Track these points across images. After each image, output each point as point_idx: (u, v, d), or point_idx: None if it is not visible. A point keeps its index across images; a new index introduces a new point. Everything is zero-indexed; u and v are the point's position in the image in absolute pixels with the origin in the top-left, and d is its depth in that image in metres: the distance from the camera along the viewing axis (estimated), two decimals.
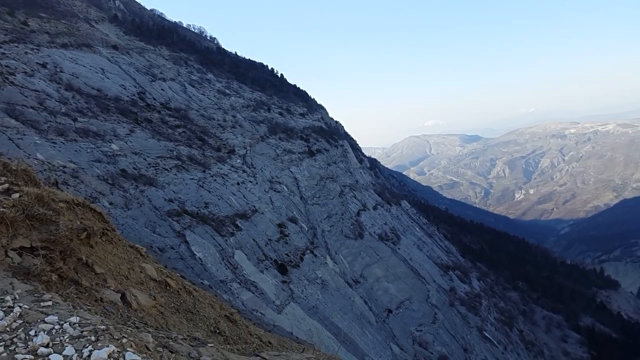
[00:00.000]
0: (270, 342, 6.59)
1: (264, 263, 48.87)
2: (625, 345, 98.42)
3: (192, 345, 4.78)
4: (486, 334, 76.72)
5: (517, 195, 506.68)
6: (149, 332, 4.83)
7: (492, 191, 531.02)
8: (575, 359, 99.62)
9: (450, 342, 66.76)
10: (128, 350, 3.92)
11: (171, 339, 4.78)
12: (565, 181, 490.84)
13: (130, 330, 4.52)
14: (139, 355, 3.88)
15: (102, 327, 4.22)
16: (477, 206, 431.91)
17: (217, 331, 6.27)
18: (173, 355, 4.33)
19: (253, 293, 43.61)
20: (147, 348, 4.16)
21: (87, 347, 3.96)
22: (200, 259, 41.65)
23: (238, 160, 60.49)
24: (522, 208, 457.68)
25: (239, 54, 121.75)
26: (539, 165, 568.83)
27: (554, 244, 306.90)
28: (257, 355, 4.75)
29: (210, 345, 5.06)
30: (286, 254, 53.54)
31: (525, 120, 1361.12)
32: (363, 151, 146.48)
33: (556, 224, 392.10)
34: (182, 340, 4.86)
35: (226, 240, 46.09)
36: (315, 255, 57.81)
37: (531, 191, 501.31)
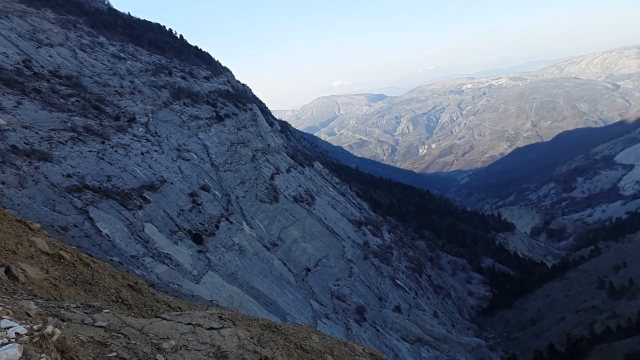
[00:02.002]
0: (179, 307, 6.28)
1: (178, 234, 47.47)
2: (521, 281, 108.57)
3: (86, 313, 4.35)
4: (398, 282, 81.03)
5: (420, 150, 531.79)
6: (32, 300, 4.34)
7: (398, 147, 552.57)
8: (479, 298, 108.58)
9: (366, 292, 69.77)
10: (4, 318, 3.48)
11: (63, 307, 4.32)
12: (463, 134, 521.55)
13: (8, 299, 4.01)
14: (17, 322, 3.45)
15: None
16: (386, 163, 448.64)
17: (120, 300, 5.82)
18: (65, 323, 3.91)
19: (168, 265, 42.36)
20: (28, 315, 3.71)
21: None
22: (107, 235, 39.52)
23: (140, 129, 57.34)
24: (426, 162, 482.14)
25: (132, 14, 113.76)
26: (440, 120, 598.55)
27: (455, 194, 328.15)
28: (157, 317, 4.44)
29: (106, 311, 4.65)
30: (200, 223, 52.34)
31: (426, 78, 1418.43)
32: (273, 114, 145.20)
33: (457, 174, 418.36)
34: (75, 308, 4.40)
35: (134, 213, 44.02)
36: (231, 222, 57.09)
37: (433, 145, 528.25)
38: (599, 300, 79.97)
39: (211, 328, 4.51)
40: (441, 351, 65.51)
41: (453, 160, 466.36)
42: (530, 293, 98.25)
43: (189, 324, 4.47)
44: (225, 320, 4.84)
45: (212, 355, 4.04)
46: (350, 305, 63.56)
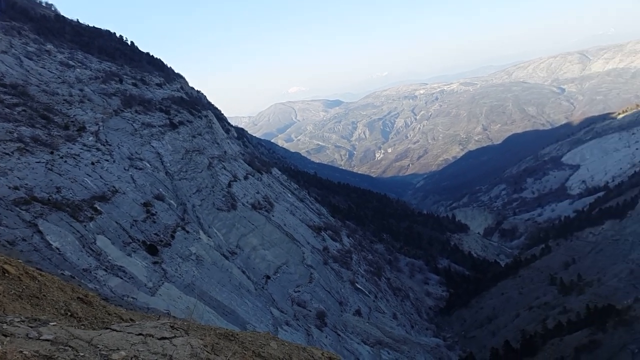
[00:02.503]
0: (132, 319, 6.13)
1: (131, 246, 46.17)
2: (476, 280, 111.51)
3: (31, 326, 4.20)
4: (358, 286, 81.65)
5: (377, 155, 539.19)
6: None
7: (355, 152, 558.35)
8: (436, 298, 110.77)
9: (327, 297, 69.94)
10: None
11: (5, 322, 4.15)
12: (418, 138, 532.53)
13: None
14: None
15: None
16: (343, 168, 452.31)
17: (69, 313, 5.63)
18: (7, 338, 3.76)
19: (122, 278, 41.11)
20: None
21: None
22: (57, 248, 38.01)
23: (90, 138, 55.56)
24: (383, 166, 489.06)
25: (81, 21, 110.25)
26: (395, 125, 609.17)
27: (412, 197, 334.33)
28: (107, 328, 4.33)
29: (52, 324, 4.50)
30: (155, 234, 51.12)
31: (381, 84, 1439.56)
32: (229, 121, 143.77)
33: (413, 178, 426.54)
34: (19, 322, 4.24)
35: (85, 225, 42.54)
36: (187, 232, 56.04)
37: (389, 150, 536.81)
38: (550, 296, 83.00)
39: (163, 338, 4.44)
40: (401, 352, 66.33)
41: (409, 164, 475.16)
42: (485, 292, 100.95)
43: (140, 334, 4.39)
44: (178, 330, 4.77)
45: None
46: (311, 311, 63.50)
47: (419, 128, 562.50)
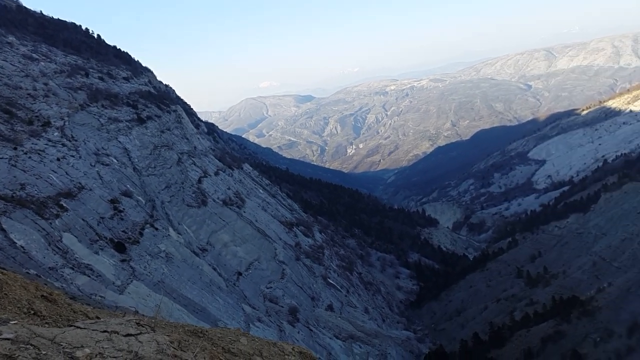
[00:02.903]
0: (98, 317, 6.03)
1: (99, 243, 45.27)
2: (446, 274, 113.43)
3: None
4: (330, 281, 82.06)
5: (349, 150, 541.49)
6: None
7: (327, 148, 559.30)
8: (407, 292, 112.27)
9: (299, 293, 70.06)
10: None
11: None
12: (389, 134, 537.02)
13: None
14: None
15: None
16: (315, 163, 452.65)
17: (32, 312, 5.49)
18: None
19: (89, 277, 40.32)
20: None
21: None
22: (22, 246, 37.00)
23: (55, 134, 54.10)
24: (354, 162, 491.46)
25: (45, 12, 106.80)
26: (366, 121, 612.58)
27: (383, 192, 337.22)
28: (71, 326, 4.26)
29: (13, 322, 4.38)
30: (123, 231, 50.22)
31: (352, 80, 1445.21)
32: (199, 116, 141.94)
33: (384, 173, 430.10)
34: None
35: (51, 223, 41.50)
36: (156, 229, 55.24)
37: (361, 145, 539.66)
38: (517, 288, 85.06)
39: (128, 335, 4.39)
40: (372, 346, 67.03)
41: (380, 160, 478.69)
42: (454, 285, 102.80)
43: (105, 331, 4.32)
44: (144, 327, 4.72)
45: None
46: (283, 307, 63.52)
47: (390, 124, 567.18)
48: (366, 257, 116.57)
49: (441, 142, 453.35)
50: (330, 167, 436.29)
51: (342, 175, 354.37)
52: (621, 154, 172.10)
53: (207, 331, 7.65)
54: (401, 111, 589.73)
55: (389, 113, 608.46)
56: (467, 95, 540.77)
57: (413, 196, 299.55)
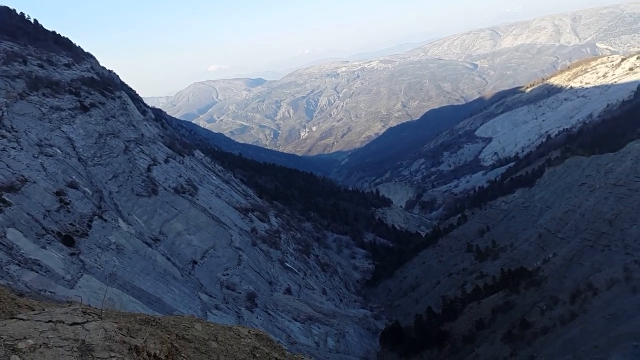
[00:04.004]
0: (43, 309, 5.92)
1: (45, 237, 43.63)
2: (400, 251, 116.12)
3: None
4: (287, 265, 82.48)
5: (302, 134, 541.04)
6: None
7: (280, 132, 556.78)
8: (363, 271, 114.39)
9: (256, 278, 70.10)
10: None
11: None
12: (341, 116, 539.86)
13: None
14: None
15: None
16: (269, 148, 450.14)
17: None
18: None
19: (37, 272, 38.88)
20: None
21: None
22: None
23: None
24: (308, 145, 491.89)
25: None
26: (318, 103, 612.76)
27: (337, 174, 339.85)
28: (13, 318, 4.18)
29: None
30: (70, 224, 48.55)
31: (303, 62, 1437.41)
32: (145, 102, 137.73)
33: (338, 155, 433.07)
34: None
35: None
36: (105, 220, 53.68)
37: (314, 128, 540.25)
38: (468, 263, 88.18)
39: (74, 323, 4.34)
40: (331, 326, 68.16)
41: (333, 142, 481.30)
42: (408, 262, 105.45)
43: (50, 321, 4.26)
44: (90, 315, 4.68)
45: (76, 349, 3.91)
46: (240, 293, 63.41)
47: (342, 106, 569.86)
48: (322, 239, 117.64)
49: (392, 123, 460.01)
50: (284, 151, 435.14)
51: (296, 159, 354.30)
52: (563, 129, 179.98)
53: (160, 319, 7.64)
54: (353, 93, 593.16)
55: (340, 95, 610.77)
56: (416, 75, 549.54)
57: (367, 177, 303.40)
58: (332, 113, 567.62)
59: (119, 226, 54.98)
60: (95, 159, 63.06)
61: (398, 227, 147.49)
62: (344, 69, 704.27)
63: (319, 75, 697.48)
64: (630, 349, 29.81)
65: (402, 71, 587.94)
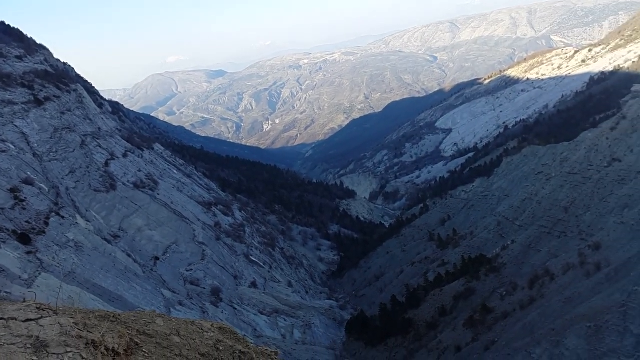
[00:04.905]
0: None
1: (0, 236, 42.00)
2: (364, 242, 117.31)
3: None
4: (253, 258, 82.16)
5: (265, 126, 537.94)
6: None
7: (242, 124, 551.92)
8: (329, 263, 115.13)
9: (221, 273, 69.55)
10: None
11: None
12: (305, 109, 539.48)
13: None
14: None
15: None
16: (231, 140, 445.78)
17: None
18: None
19: None
20: None
21: None
22: None
23: None
24: (271, 137, 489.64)
25: None
26: (281, 95, 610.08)
27: (301, 167, 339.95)
28: None
29: None
30: (26, 222, 46.87)
31: (265, 53, 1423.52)
32: (102, 95, 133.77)
33: (301, 148, 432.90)
34: None
35: None
36: (63, 217, 52.07)
37: (277, 121, 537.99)
38: (430, 251, 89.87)
39: (28, 320, 4.24)
40: (297, 318, 68.43)
41: (297, 135, 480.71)
42: (372, 252, 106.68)
43: (1, 318, 4.15)
44: (45, 311, 4.59)
45: (30, 346, 3.83)
46: (205, 288, 62.78)
47: (305, 98, 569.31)
48: (288, 232, 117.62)
49: (356, 115, 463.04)
50: (247, 144, 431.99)
51: (259, 152, 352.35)
52: (520, 119, 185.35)
53: (119, 315, 7.53)
54: (315, 85, 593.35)
55: (303, 87, 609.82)
56: (378, 68, 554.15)
57: (331, 169, 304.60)
58: (295, 105, 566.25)
59: (77, 223, 53.45)
60: (51, 154, 60.97)
61: (362, 218, 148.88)
62: (306, 61, 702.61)
63: (281, 67, 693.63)
64: (584, 330, 31.12)
65: (364, 63, 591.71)
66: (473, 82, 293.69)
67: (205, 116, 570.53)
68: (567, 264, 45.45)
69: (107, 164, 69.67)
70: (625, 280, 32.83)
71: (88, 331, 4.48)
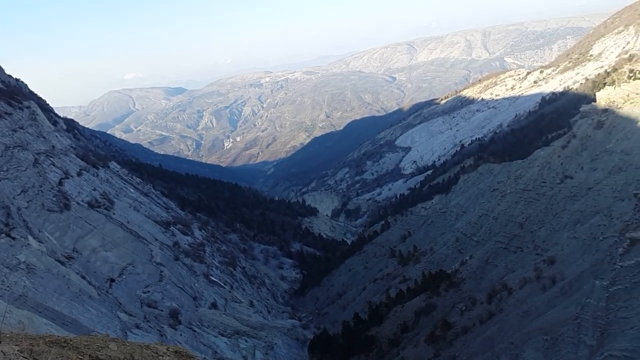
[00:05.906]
0: None
1: None
2: (327, 260, 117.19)
3: None
4: (213, 279, 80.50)
5: (226, 144, 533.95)
6: None
7: (203, 142, 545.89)
8: (291, 281, 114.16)
9: (180, 294, 67.75)
10: None
11: None
12: (266, 126, 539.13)
13: None
14: None
15: None
16: (191, 158, 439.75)
17: None
18: None
19: None
20: None
21: None
22: None
23: None
24: (232, 155, 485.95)
25: None
26: (242, 113, 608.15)
27: (263, 185, 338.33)
28: None
29: None
30: None
31: (225, 71, 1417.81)
32: (56, 111, 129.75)
33: (263, 166, 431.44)
34: None
35: None
36: (14, 238, 49.71)
37: (238, 139, 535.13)
38: (391, 267, 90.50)
39: None
40: (259, 339, 67.25)
41: (258, 152, 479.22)
42: (335, 270, 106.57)
43: None
44: None
45: None
46: (163, 310, 60.91)
47: (267, 116, 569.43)
48: (249, 250, 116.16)
49: (317, 133, 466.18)
50: (208, 162, 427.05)
51: (220, 170, 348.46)
52: (476, 138, 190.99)
53: (71, 340, 7.17)
54: (277, 103, 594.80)
55: (265, 105, 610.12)
56: (339, 87, 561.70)
57: (293, 187, 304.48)
58: (256, 123, 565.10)
59: (28, 244, 51.10)
60: (2, 172, 58.36)
61: (325, 236, 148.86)
62: (267, 79, 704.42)
63: (242, 85, 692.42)
64: (542, 343, 31.85)
65: (325, 82, 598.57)
66: (430, 102, 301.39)
67: (164, 134, 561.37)
68: (523, 278, 46.58)
69: (60, 183, 67.19)
70: (578, 293, 33.88)
71: (34, 358, 4.21)
